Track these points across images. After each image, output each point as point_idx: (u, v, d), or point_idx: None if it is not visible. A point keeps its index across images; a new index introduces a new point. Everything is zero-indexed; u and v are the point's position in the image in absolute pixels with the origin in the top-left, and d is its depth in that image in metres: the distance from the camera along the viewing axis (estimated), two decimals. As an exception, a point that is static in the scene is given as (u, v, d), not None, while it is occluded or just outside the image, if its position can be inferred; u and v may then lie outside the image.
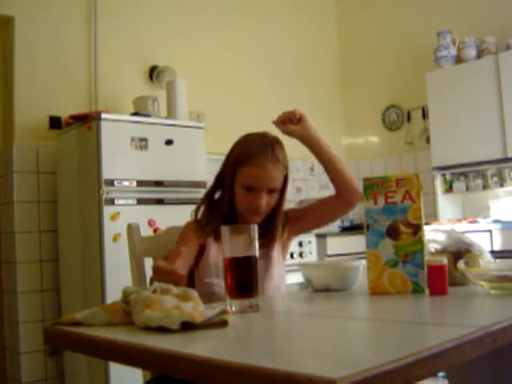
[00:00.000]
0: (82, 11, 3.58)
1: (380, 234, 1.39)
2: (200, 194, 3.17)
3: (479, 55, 4.03)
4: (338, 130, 5.12)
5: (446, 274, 1.30)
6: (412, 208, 1.37)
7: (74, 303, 3.07)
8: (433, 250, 1.48)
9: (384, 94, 4.87)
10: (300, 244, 3.78)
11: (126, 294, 1.11)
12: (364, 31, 5.04)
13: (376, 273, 1.38)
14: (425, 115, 4.44)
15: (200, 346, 0.92)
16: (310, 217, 1.79)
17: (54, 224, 3.28)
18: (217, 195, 1.72)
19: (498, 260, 1.68)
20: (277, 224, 1.68)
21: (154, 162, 3.05)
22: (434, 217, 4.07)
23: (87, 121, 2.99)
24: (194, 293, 1.10)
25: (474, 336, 0.85)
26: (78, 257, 3.05)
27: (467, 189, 4.12)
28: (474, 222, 3.76)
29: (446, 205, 4.20)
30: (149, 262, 1.75)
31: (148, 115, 3.24)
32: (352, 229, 4.22)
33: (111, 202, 2.87)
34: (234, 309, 1.19)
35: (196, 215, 1.70)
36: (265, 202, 1.61)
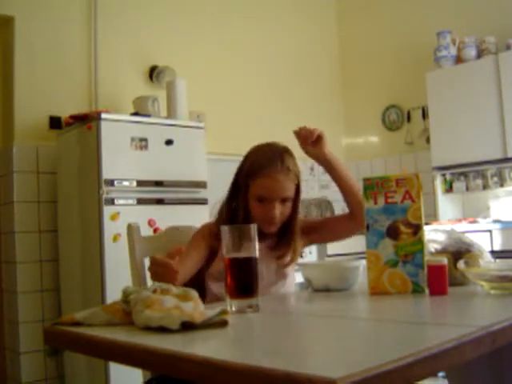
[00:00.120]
0: (82, 11, 3.58)
1: (380, 233, 1.39)
2: (200, 194, 3.21)
3: (479, 55, 4.03)
4: (337, 129, 5.12)
5: (445, 274, 1.30)
6: (412, 208, 1.37)
7: (74, 303, 3.07)
8: (433, 249, 1.48)
9: (384, 94, 4.87)
10: (300, 244, 3.78)
11: (125, 294, 1.11)
12: (364, 31, 5.04)
13: (376, 273, 1.38)
14: (425, 115, 4.44)
15: (200, 346, 0.92)
16: (324, 231, 1.82)
17: (54, 224, 3.28)
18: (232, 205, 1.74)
19: (498, 260, 1.68)
20: (294, 233, 1.71)
21: (154, 162, 3.05)
22: (434, 217, 4.07)
23: (87, 121, 2.98)
24: (194, 293, 1.10)
25: (474, 336, 0.85)
26: (78, 257, 3.05)
27: (467, 189, 4.12)
28: (474, 221, 3.76)
29: (446, 205, 4.20)
30: (149, 262, 1.75)
31: (148, 115, 3.24)
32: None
33: (111, 202, 2.87)
34: (233, 309, 1.19)
35: (217, 222, 1.70)
36: (279, 212, 1.64)
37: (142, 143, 3.02)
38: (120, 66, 3.71)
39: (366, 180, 1.43)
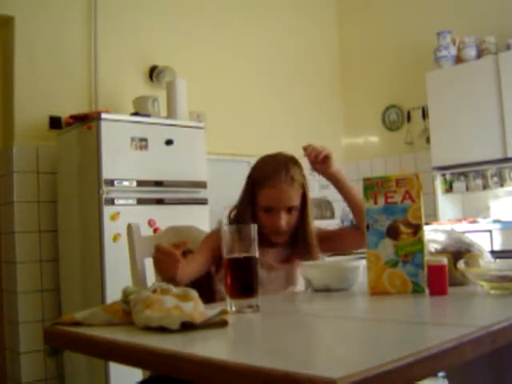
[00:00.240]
0: (82, 11, 3.58)
1: (380, 234, 1.39)
2: (200, 193, 3.21)
3: (479, 55, 4.03)
4: (337, 129, 5.12)
5: (445, 274, 1.30)
6: (412, 208, 1.37)
7: (74, 303, 3.07)
8: (433, 250, 1.48)
9: (384, 94, 4.87)
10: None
11: (125, 294, 1.11)
12: (364, 31, 5.04)
13: (376, 273, 1.38)
14: (425, 115, 4.44)
15: (200, 346, 0.92)
16: (334, 242, 1.85)
17: (54, 224, 3.28)
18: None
19: (498, 260, 1.68)
20: (312, 246, 1.74)
21: (154, 162, 3.05)
22: (434, 217, 4.07)
23: (87, 121, 2.99)
24: (194, 293, 1.10)
25: (474, 336, 0.85)
26: (78, 257, 3.05)
27: (467, 189, 4.12)
28: (474, 222, 3.76)
29: (446, 205, 4.20)
30: (149, 262, 1.76)
31: (148, 115, 3.24)
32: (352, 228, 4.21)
33: (111, 201, 2.87)
34: (233, 309, 1.19)
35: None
36: (284, 221, 1.69)
37: (142, 143, 3.02)
38: (120, 66, 3.71)
39: (366, 180, 1.43)
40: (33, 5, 3.35)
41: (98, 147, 2.87)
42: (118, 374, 2.70)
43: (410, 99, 4.64)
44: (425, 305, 1.25)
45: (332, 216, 4.49)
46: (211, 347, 0.92)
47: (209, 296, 1.73)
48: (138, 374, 1.55)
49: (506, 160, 3.83)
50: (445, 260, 1.32)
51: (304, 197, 1.74)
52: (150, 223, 2.94)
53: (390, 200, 1.39)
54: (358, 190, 1.77)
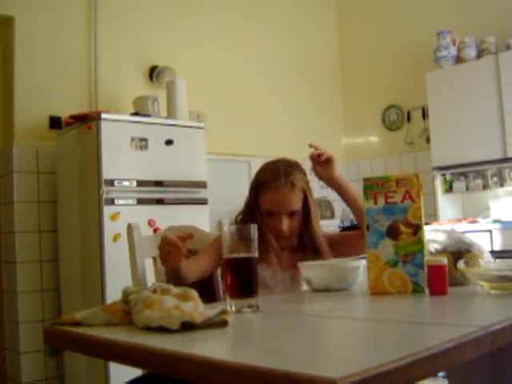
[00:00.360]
0: (82, 11, 3.58)
1: (380, 234, 1.39)
2: (200, 193, 3.21)
3: (479, 55, 4.03)
4: (337, 129, 5.12)
5: (445, 274, 1.30)
6: (412, 208, 1.37)
7: (74, 303, 3.07)
8: (433, 250, 1.48)
9: (384, 94, 4.87)
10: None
11: (125, 294, 1.11)
12: (364, 31, 5.04)
13: (376, 273, 1.38)
14: (425, 115, 4.44)
15: (200, 346, 0.92)
16: (339, 246, 1.85)
17: (54, 224, 3.28)
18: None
19: (498, 260, 1.68)
20: (323, 251, 1.76)
21: (154, 162, 3.05)
22: (434, 217, 4.07)
23: (87, 121, 2.98)
24: (194, 293, 1.10)
25: (474, 336, 0.85)
26: (78, 257, 3.05)
27: (467, 189, 4.12)
28: (474, 221, 3.76)
29: (446, 205, 4.20)
30: (149, 262, 1.76)
31: (148, 115, 3.24)
32: (352, 229, 4.19)
33: (111, 202, 2.87)
34: (233, 309, 1.19)
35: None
36: (286, 225, 1.72)
37: (142, 143, 3.02)
38: (120, 66, 3.71)
39: (365, 180, 1.43)
40: (33, 5, 3.35)
41: (98, 147, 2.87)
42: (117, 374, 2.70)
43: (410, 99, 4.64)
44: (425, 305, 1.25)
45: (332, 216, 4.49)
46: (211, 347, 0.92)
47: (209, 296, 1.73)
48: (138, 373, 1.55)
49: (506, 160, 3.83)
50: (445, 260, 1.32)
51: (306, 201, 1.75)
52: (150, 223, 2.94)
53: (390, 200, 1.39)
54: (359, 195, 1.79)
